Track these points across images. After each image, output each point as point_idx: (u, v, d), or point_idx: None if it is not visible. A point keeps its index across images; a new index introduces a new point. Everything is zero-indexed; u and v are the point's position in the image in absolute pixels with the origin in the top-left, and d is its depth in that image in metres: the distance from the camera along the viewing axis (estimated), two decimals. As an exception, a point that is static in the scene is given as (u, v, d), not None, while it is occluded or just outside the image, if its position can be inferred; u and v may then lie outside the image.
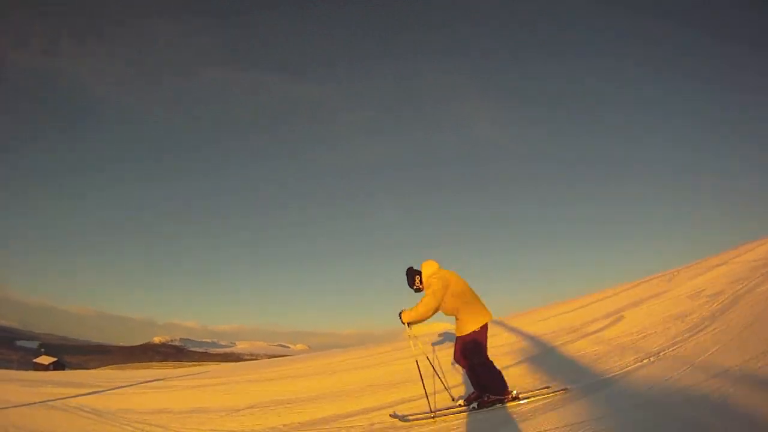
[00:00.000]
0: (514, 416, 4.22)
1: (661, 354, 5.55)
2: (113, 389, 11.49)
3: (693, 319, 7.24)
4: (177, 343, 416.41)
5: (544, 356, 7.59)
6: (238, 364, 37.24)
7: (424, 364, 5.29)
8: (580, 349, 7.40)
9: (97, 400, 9.04)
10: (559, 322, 11.30)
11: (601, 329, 8.75)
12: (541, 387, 5.04)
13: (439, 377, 5.32)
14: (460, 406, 4.85)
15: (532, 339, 9.71)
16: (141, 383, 13.58)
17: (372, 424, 4.93)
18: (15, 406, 7.77)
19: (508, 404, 4.58)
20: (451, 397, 5.09)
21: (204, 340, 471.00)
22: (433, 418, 4.64)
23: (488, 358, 4.76)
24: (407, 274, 5.10)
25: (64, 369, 76.69)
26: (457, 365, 5.80)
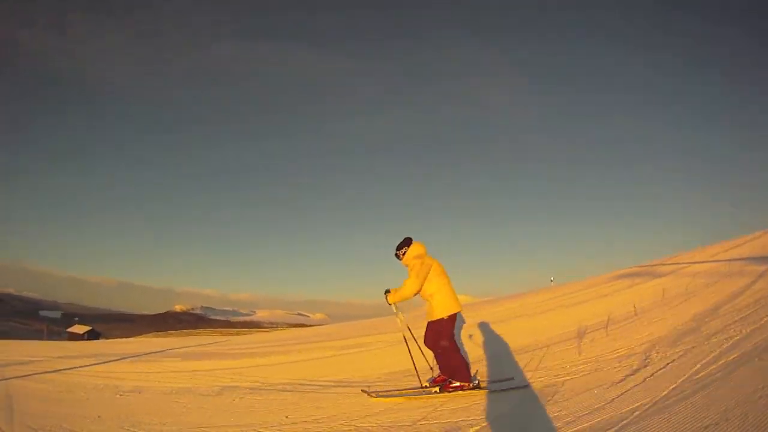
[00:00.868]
0: (473, 401, 4.53)
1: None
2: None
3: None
4: (198, 312, 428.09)
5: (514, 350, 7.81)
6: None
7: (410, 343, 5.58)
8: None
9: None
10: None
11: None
12: (504, 379, 5.27)
13: (412, 359, 5.58)
14: (425, 387, 5.13)
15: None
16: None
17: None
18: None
19: (470, 391, 4.83)
20: (419, 379, 5.35)
21: (224, 308, 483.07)
22: (401, 396, 4.97)
23: (455, 345, 5.01)
24: (403, 242, 5.35)
25: (98, 338, 76.89)
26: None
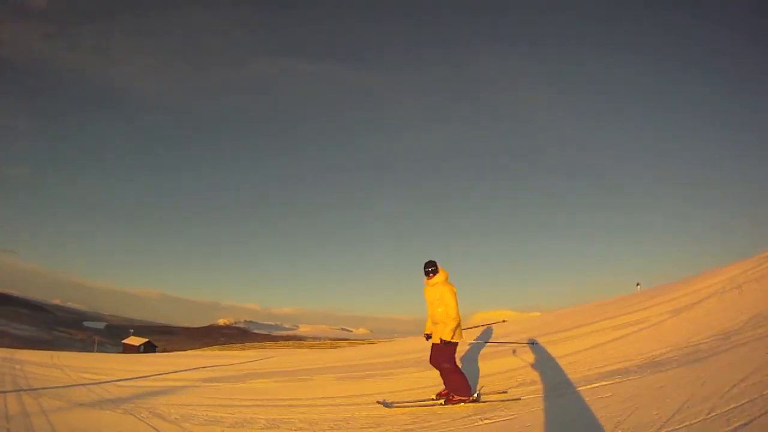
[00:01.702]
0: (471, 412, 5.85)
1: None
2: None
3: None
4: (241, 325, 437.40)
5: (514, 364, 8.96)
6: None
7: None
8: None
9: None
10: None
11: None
12: (500, 392, 6.54)
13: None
14: (433, 399, 6.47)
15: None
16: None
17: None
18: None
19: (470, 404, 6.14)
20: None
21: (267, 322, 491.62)
22: (414, 407, 6.34)
23: (455, 367, 6.34)
24: (432, 263, 6.60)
25: (155, 350, 77.67)
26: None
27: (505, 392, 6.55)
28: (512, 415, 5.32)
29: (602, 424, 4.36)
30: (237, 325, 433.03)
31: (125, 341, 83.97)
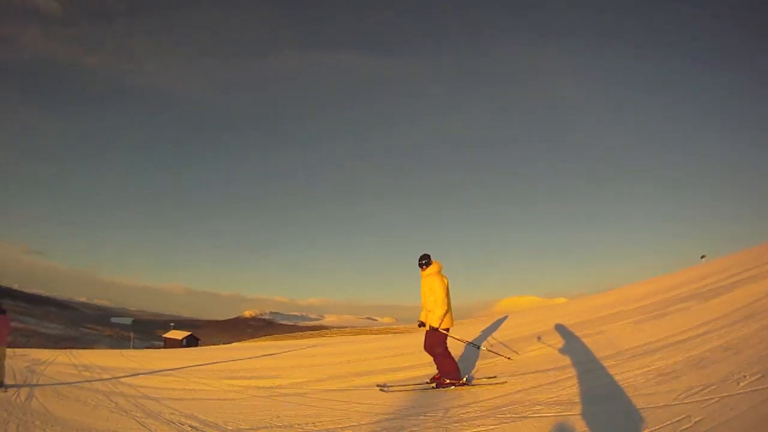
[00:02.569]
0: (461, 394, 6.48)
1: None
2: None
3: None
4: (267, 317, 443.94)
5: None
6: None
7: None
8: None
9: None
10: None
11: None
12: (489, 377, 7.14)
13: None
14: (427, 383, 7.10)
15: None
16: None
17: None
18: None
19: (460, 387, 6.77)
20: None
21: (293, 313, 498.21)
22: (411, 390, 6.99)
23: (447, 352, 6.95)
24: (426, 256, 7.26)
25: (197, 343, 74.79)
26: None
27: (495, 377, 7.13)
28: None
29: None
30: (263, 317, 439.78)
31: (166, 335, 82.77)
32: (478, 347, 8.29)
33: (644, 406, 4.46)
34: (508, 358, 8.21)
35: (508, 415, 4.89)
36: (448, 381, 6.86)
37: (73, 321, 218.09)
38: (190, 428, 5.84)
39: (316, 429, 5.42)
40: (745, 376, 4.62)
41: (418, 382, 7.47)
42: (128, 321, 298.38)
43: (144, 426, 6.09)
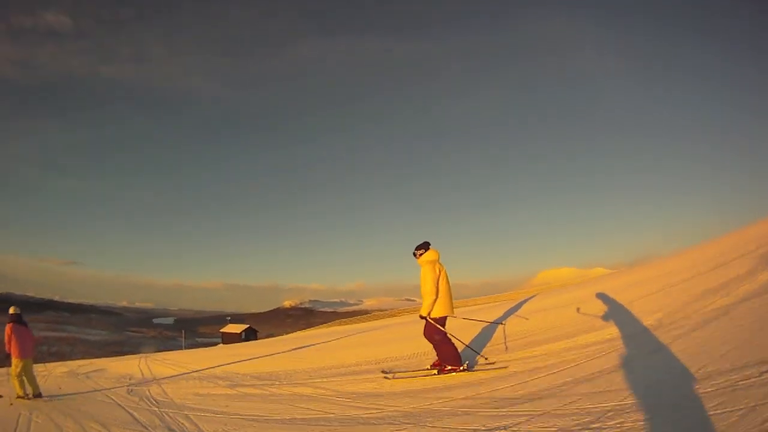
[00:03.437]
0: (462, 380, 6.54)
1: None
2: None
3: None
4: (307, 305, 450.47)
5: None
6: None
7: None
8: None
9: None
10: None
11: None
12: (488, 363, 7.13)
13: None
14: (428, 369, 7.15)
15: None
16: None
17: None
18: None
19: (460, 373, 6.80)
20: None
21: (332, 300, 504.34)
22: (414, 377, 7.08)
23: (446, 338, 6.98)
24: (422, 244, 7.33)
25: (256, 336, 74.39)
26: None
27: (493, 363, 7.13)
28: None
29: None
30: (302, 306, 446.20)
31: (223, 330, 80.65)
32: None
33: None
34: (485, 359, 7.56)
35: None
36: (449, 367, 6.90)
37: (117, 325, 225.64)
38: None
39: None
40: None
41: (420, 368, 7.54)
42: (170, 321, 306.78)
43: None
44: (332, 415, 5.77)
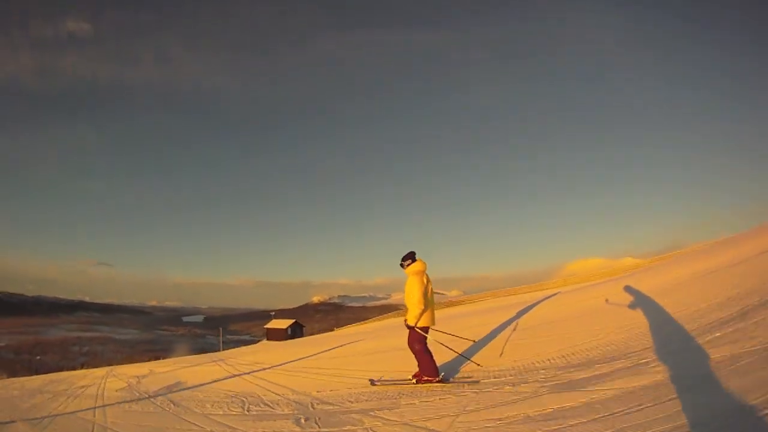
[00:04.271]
0: (438, 390, 6.79)
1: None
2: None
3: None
4: (335, 301, 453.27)
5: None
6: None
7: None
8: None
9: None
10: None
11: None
12: (465, 376, 7.42)
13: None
14: (409, 380, 7.51)
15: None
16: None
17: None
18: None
19: (438, 384, 7.07)
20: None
21: (360, 295, 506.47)
22: (395, 385, 7.43)
23: (426, 349, 7.30)
24: (408, 255, 7.56)
25: (302, 331, 71.36)
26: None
27: (470, 377, 7.42)
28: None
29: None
30: (331, 301, 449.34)
31: (268, 326, 75.14)
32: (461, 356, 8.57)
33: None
34: (478, 365, 7.90)
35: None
36: (425, 378, 7.19)
37: (147, 325, 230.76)
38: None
39: None
40: None
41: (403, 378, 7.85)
42: (200, 318, 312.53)
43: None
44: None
